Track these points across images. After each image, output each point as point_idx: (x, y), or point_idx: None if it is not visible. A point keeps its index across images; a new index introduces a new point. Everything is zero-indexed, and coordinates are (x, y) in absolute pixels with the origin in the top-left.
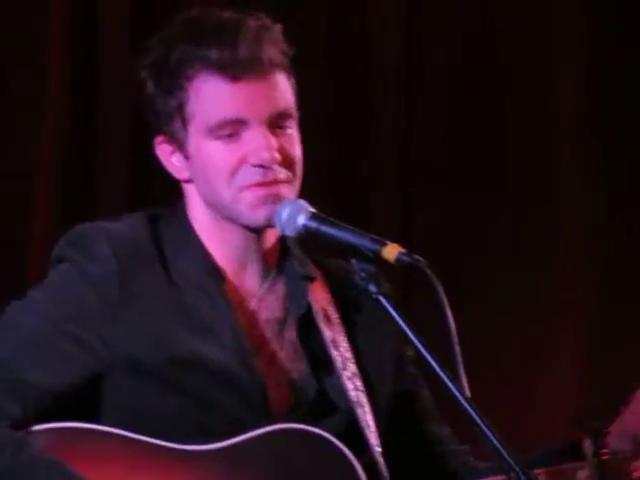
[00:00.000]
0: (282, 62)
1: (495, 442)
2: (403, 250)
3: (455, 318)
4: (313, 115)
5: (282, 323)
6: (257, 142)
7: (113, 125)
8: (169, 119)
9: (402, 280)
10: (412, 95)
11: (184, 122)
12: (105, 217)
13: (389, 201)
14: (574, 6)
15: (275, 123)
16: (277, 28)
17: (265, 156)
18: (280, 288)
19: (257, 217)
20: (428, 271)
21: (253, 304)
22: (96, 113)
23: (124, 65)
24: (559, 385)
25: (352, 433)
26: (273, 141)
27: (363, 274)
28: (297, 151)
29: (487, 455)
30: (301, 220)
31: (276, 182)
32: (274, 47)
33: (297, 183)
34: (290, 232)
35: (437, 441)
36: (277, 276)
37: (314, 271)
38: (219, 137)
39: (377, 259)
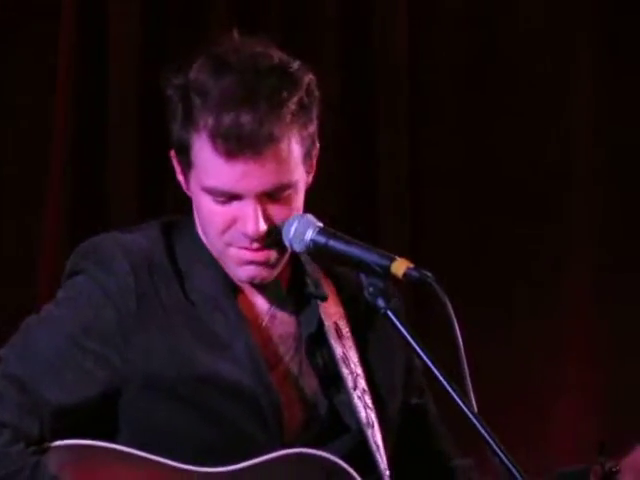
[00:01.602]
0: (292, 126)
1: (503, 457)
2: (412, 265)
3: (463, 334)
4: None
5: (295, 339)
6: (245, 214)
7: (123, 125)
8: (179, 149)
9: (412, 294)
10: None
11: (188, 163)
12: (116, 223)
13: (398, 211)
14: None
15: (271, 194)
16: (300, 85)
17: (251, 229)
18: (293, 304)
19: (241, 275)
20: (436, 286)
21: (266, 320)
22: (106, 113)
23: (135, 65)
24: (572, 406)
25: (361, 454)
26: (261, 213)
27: (372, 289)
28: (294, 210)
29: (492, 469)
30: (309, 235)
31: (262, 249)
32: (282, 114)
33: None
34: (298, 248)
35: (442, 456)
36: (290, 292)
37: (326, 287)
38: (212, 197)
39: (386, 274)
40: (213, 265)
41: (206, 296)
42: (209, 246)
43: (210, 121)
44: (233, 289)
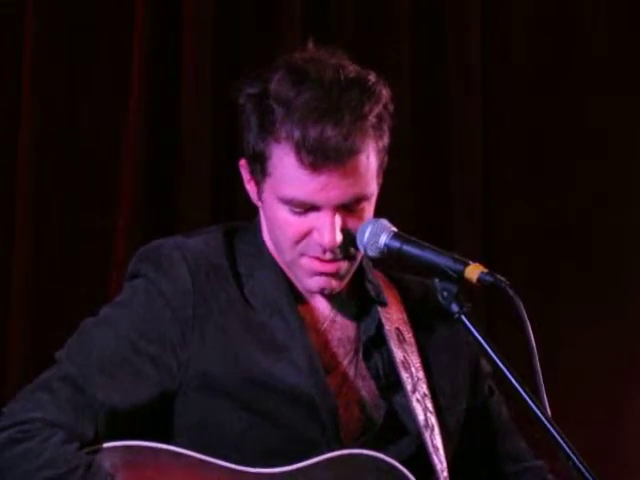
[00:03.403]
0: (373, 137)
1: (577, 462)
2: (485, 270)
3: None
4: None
5: (354, 343)
6: (323, 224)
7: (196, 133)
8: (253, 158)
9: (484, 299)
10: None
11: (263, 172)
12: (185, 230)
13: (470, 217)
14: None
15: (347, 205)
16: (380, 96)
17: (327, 240)
18: (352, 309)
19: (311, 286)
20: (510, 291)
21: (326, 324)
22: (179, 120)
23: (207, 67)
24: None
25: (420, 457)
26: (338, 223)
27: (445, 294)
28: (368, 219)
29: (566, 476)
30: (383, 240)
31: (334, 260)
32: (366, 129)
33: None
34: (372, 252)
35: (513, 458)
36: (350, 296)
37: (390, 293)
38: (288, 207)
39: (460, 279)
40: (274, 270)
41: (265, 299)
42: (277, 254)
43: (296, 133)
44: (293, 294)
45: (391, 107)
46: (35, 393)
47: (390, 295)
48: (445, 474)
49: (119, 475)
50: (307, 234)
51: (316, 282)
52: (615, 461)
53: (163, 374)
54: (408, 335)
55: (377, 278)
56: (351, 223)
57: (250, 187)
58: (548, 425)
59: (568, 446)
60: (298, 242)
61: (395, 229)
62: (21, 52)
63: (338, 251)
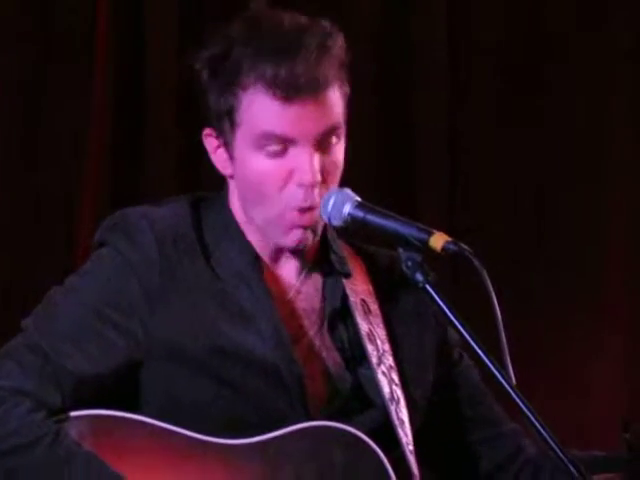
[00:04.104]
0: (337, 76)
1: (541, 429)
2: (450, 239)
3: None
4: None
5: (320, 314)
6: (303, 161)
7: (160, 106)
8: (218, 118)
9: (449, 268)
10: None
11: (232, 126)
12: (150, 201)
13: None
14: None
15: (322, 140)
16: (338, 39)
17: (308, 178)
18: (318, 280)
19: (287, 242)
20: (475, 260)
21: (291, 295)
22: (143, 94)
23: (172, 44)
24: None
25: (386, 429)
26: (317, 162)
27: (410, 263)
28: (340, 163)
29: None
30: (347, 209)
31: (312, 208)
32: (332, 64)
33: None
34: (336, 221)
35: (488, 422)
36: (315, 268)
37: (355, 265)
38: (265, 150)
39: (424, 248)
40: (240, 239)
41: (232, 269)
42: (253, 216)
43: (268, 72)
44: (259, 264)
45: (348, 57)
46: (1, 361)
47: (356, 266)
48: (410, 447)
49: (85, 443)
50: (287, 179)
51: (294, 236)
52: (581, 425)
53: (129, 342)
54: (374, 307)
55: (342, 250)
56: (327, 165)
57: (217, 155)
58: (513, 394)
59: (532, 414)
60: (280, 190)
61: (359, 199)
62: None
63: (316, 193)
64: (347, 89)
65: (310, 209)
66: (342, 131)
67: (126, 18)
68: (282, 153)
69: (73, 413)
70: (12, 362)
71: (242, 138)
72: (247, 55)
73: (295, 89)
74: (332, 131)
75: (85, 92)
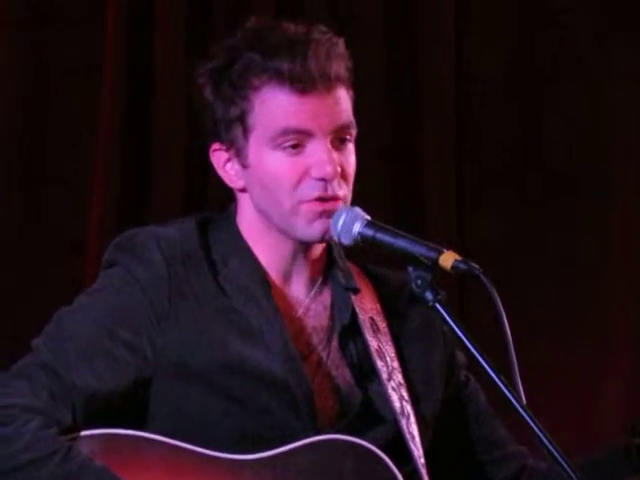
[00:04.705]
0: (346, 77)
1: (551, 448)
2: (459, 257)
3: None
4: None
5: (329, 331)
6: (321, 155)
7: (168, 129)
8: (228, 127)
9: (458, 287)
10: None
11: (245, 131)
12: (157, 221)
13: (445, 207)
14: None
15: (338, 136)
16: (342, 42)
17: (328, 170)
18: (326, 297)
19: (312, 231)
20: (484, 278)
21: (300, 312)
22: (150, 116)
23: (179, 66)
24: (615, 398)
25: (396, 444)
26: (335, 156)
27: (420, 282)
28: (353, 165)
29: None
30: (357, 228)
31: (334, 198)
32: (340, 62)
33: (350, 197)
34: (346, 240)
35: (493, 444)
36: (323, 285)
37: (360, 282)
38: (282, 148)
39: (434, 267)
40: (248, 257)
41: (240, 286)
42: (273, 217)
43: (284, 66)
44: (267, 281)
45: (351, 64)
46: (12, 380)
47: (363, 285)
48: (422, 461)
49: (97, 461)
50: (304, 176)
51: (317, 227)
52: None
53: (138, 360)
54: (382, 325)
55: (350, 268)
56: (342, 162)
57: (226, 170)
58: (523, 413)
59: (543, 434)
60: (296, 187)
61: (369, 217)
62: None
63: (336, 185)
64: (351, 94)
65: (332, 199)
66: (354, 132)
67: (135, 43)
68: (299, 150)
69: (84, 432)
70: (23, 380)
71: (256, 141)
72: (256, 57)
73: (312, 82)
74: (346, 128)
75: (94, 106)
